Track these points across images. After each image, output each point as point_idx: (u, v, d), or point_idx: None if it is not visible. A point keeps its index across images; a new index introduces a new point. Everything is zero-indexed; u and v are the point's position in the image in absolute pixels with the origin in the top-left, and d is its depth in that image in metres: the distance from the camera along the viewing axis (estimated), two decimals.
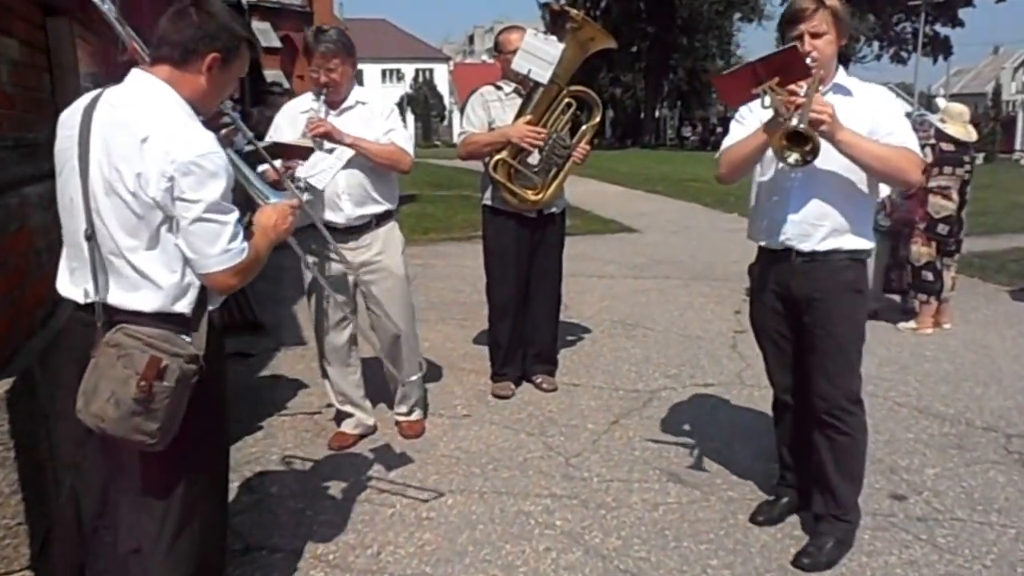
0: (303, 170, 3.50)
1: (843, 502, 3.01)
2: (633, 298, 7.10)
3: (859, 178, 2.82)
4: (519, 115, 4.24)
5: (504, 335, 4.65)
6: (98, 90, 2.07)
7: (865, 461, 3.08)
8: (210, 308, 2.15)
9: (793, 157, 2.57)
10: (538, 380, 4.79)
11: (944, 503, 3.44)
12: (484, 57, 67.33)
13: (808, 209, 2.87)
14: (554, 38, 4.10)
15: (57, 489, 2.64)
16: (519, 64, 4.05)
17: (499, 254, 4.54)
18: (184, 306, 2.06)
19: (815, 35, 2.75)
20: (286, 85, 20.26)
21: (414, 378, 4.02)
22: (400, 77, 61.90)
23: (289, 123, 3.72)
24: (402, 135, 3.76)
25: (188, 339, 2.06)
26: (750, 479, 3.65)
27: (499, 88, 4.45)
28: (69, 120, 2.04)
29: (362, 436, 4.06)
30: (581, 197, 14.56)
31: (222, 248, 2.01)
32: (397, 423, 4.17)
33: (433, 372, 5.05)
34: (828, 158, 2.70)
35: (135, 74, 2.06)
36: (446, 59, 65.17)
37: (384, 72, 63.83)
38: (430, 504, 3.42)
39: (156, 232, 1.99)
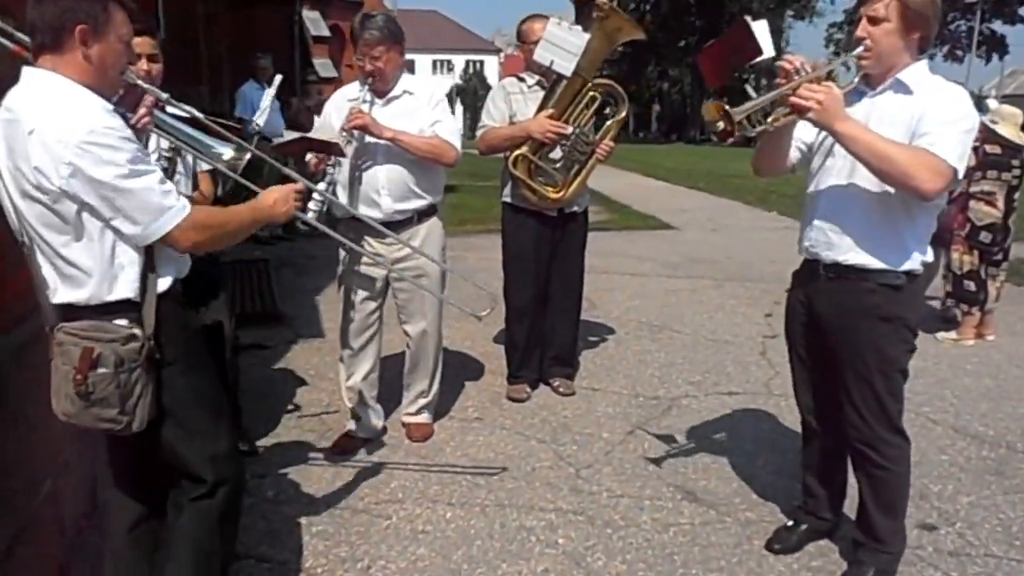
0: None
1: (880, 536, 2.75)
2: (663, 298, 6.79)
3: (896, 195, 2.48)
4: (541, 109, 3.97)
5: (521, 337, 4.40)
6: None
7: (908, 494, 2.78)
8: (165, 285, 2.09)
9: (720, 125, 2.42)
10: (555, 384, 4.53)
11: (979, 536, 3.12)
12: None
13: (833, 215, 2.62)
14: (579, 28, 3.81)
15: (32, 491, 2.47)
16: (541, 55, 3.78)
17: (517, 253, 4.29)
18: (127, 290, 2.01)
19: (872, 20, 2.47)
20: (333, 74, 20.25)
21: (436, 384, 3.91)
22: (450, 68, 61.86)
23: (337, 111, 3.50)
24: (448, 127, 3.52)
25: (125, 322, 2.01)
26: (771, 499, 3.37)
27: (522, 80, 4.19)
28: None
29: (368, 440, 3.85)
30: (623, 191, 14.29)
31: (159, 208, 1.95)
32: (405, 424, 3.95)
33: (449, 371, 4.79)
34: (859, 167, 2.47)
35: (24, 72, 1.96)
36: (497, 51, 64.86)
37: (435, 63, 63.85)
38: (427, 516, 3.19)
39: (78, 221, 1.92)
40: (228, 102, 9.66)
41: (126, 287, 2.01)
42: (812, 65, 2.47)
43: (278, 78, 3.16)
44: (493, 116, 4.14)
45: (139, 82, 2.20)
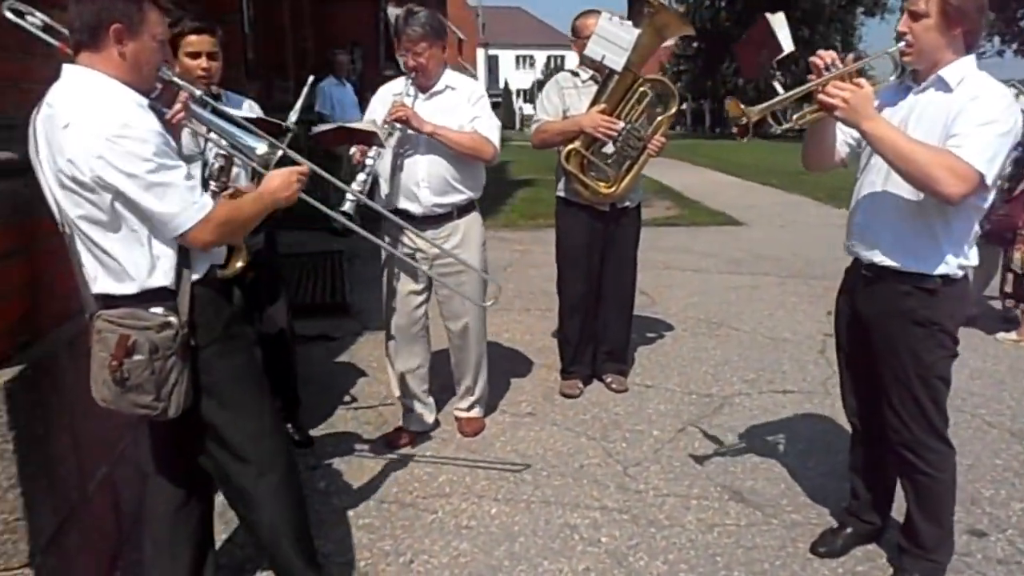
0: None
1: (925, 543, 2.64)
2: (723, 295, 6.59)
3: (929, 196, 2.36)
4: (593, 103, 3.89)
5: (574, 332, 4.32)
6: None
7: (953, 501, 2.66)
8: (199, 274, 2.12)
9: (742, 120, 2.42)
10: (608, 380, 4.44)
11: None
12: None
13: (870, 215, 2.56)
14: (629, 23, 3.72)
15: (82, 478, 2.52)
16: (592, 50, 3.70)
17: (570, 248, 4.21)
18: (163, 279, 2.04)
19: (913, 15, 2.36)
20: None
21: (481, 373, 3.86)
22: (532, 64, 61.91)
23: (382, 105, 3.49)
24: (487, 123, 3.48)
25: (160, 310, 2.03)
26: (819, 501, 3.24)
27: (576, 75, 4.11)
28: (30, 129, 2.01)
29: (420, 433, 3.83)
30: (695, 187, 14.05)
31: (183, 203, 1.98)
32: (457, 418, 3.92)
33: (505, 365, 4.77)
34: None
35: (65, 69, 2.00)
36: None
37: (517, 58, 64.08)
38: (472, 512, 3.15)
39: (112, 212, 1.95)
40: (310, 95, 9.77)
41: (161, 276, 2.04)
42: (844, 61, 2.40)
43: (310, 79, 3.15)
44: (547, 110, 4.07)
45: (174, 79, 2.21)
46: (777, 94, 2.51)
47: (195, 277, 2.10)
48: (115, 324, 2.00)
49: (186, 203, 1.98)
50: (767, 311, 6.10)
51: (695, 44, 37.12)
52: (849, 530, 2.93)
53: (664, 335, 5.48)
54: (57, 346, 2.41)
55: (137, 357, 1.98)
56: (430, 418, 3.87)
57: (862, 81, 2.36)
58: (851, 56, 2.42)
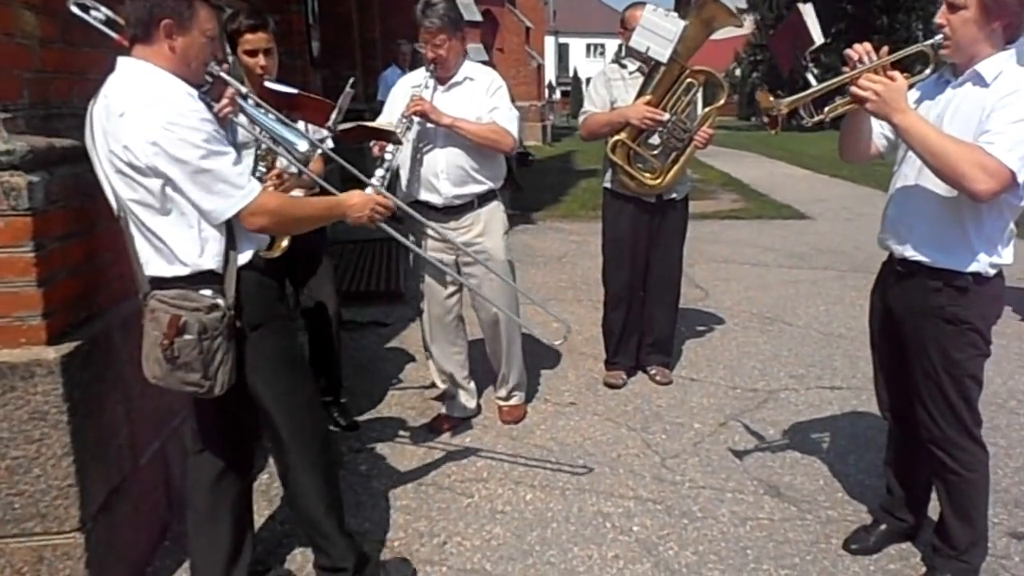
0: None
1: (956, 543, 2.62)
2: (780, 289, 6.50)
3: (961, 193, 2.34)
4: (639, 95, 3.90)
5: (617, 323, 4.35)
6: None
7: (986, 502, 2.62)
8: (245, 258, 2.21)
9: (773, 112, 2.43)
10: (652, 372, 4.46)
11: None
12: None
13: (903, 208, 2.55)
14: (675, 14, 3.72)
15: (134, 451, 2.68)
16: (637, 42, 3.71)
17: (616, 239, 4.24)
18: (210, 262, 2.13)
19: (951, 6, 2.33)
20: (484, 58, 20.83)
21: (515, 362, 3.89)
22: (602, 52, 61.48)
23: (403, 97, 3.55)
24: (505, 114, 3.53)
25: (209, 292, 2.13)
26: (857, 498, 3.21)
27: (623, 67, 4.12)
28: (88, 117, 2.13)
29: (463, 419, 3.92)
30: (763, 180, 13.83)
31: (231, 188, 2.07)
32: (498, 407, 4.00)
33: (551, 354, 4.82)
34: None
35: (120, 61, 2.11)
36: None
37: (588, 47, 63.63)
38: (508, 497, 3.22)
39: (164, 197, 2.05)
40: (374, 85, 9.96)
41: (210, 259, 2.13)
42: (878, 54, 2.37)
43: (349, 85, 3.22)
44: (594, 102, 4.10)
45: (222, 75, 2.31)
46: (810, 86, 2.51)
47: (242, 261, 2.20)
48: (167, 304, 2.10)
49: (233, 188, 2.07)
50: (824, 306, 6.01)
51: (772, 32, 36.29)
52: (883, 527, 2.91)
53: (714, 329, 5.46)
54: (112, 325, 2.56)
55: (187, 336, 2.08)
56: (471, 404, 3.95)
57: (895, 74, 2.34)
58: (885, 49, 2.39)
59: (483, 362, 4.05)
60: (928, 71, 2.49)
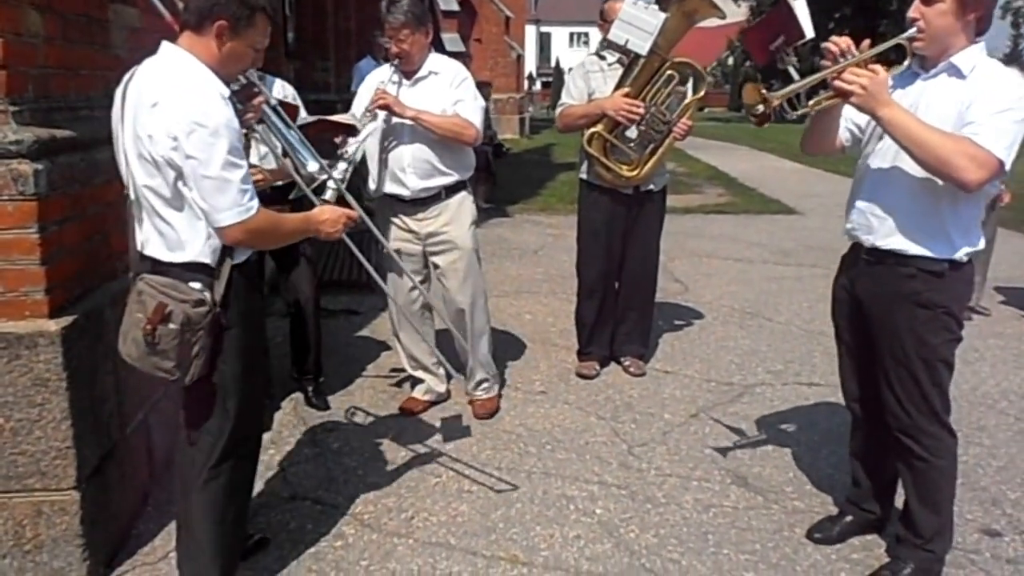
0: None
1: (921, 531, 2.90)
2: (764, 285, 6.97)
3: (938, 182, 2.60)
4: (618, 87, 4.30)
5: (590, 314, 4.78)
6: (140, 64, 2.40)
7: (952, 490, 2.91)
8: (239, 260, 2.46)
9: (759, 108, 2.60)
10: (626, 363, 4.89)
11: None
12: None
13: (874, 199, 2.78)
14: (655, 7, 4.11)
15: (122, 420, 3.07)
16: (615, 34, 4.10)
17: (591, 230, 4.65)
18: (207, 257, 2.39)
19: (926, 0, 2.58)
20: (461, 48, 21.30)
21: (482, 354, 4.25)
22: (586, 42, 61.86)
23: (368, 92, 3.90)
24: (469, 106, 3.86)
25: (199, 286, 2.38)
26: (825, 490, 3.59)
27: (602, 58, 4.53)
28: (118, 93, 2.40)
29: (433, 403, 4.34)
30: (752, 173, 14.26)
31: (231, 202, 2.29)
32: (470, 401, 4.36)
33: (524, 345, 5.28)
34: (903, 152, 2.62)
35: (163, 46, 2.36)
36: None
37: (571, 36, 63.93)
38: (475, 478, 3.64)
39: (176, 189, 2.30)
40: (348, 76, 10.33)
41: (207, 253, 2.38)
42: (860, 47, 2.59)
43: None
44: (572, 94, 4.51)
45: (255, 80, 2.62)
46: (792, 80, 2.71)
47: (237, 260, 2.46)
48: (156, 290, 2.33)
49: (233, 203, 2.29)
50: (807, 303, 6.48)
51: (749, 24, 36.77)
52: (848, 518, 3.21)
53: (692, 323, 5.92)
54: (103, 302, 2.96)
55: (171, 326, 2.31)
56: (440, 388, 4.37)
57: (877, 68, 2.55)
58: (866, 43, 2.63)
59: (454, 351, 4.42)
60: (905, 63, 2.74)
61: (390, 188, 3.95)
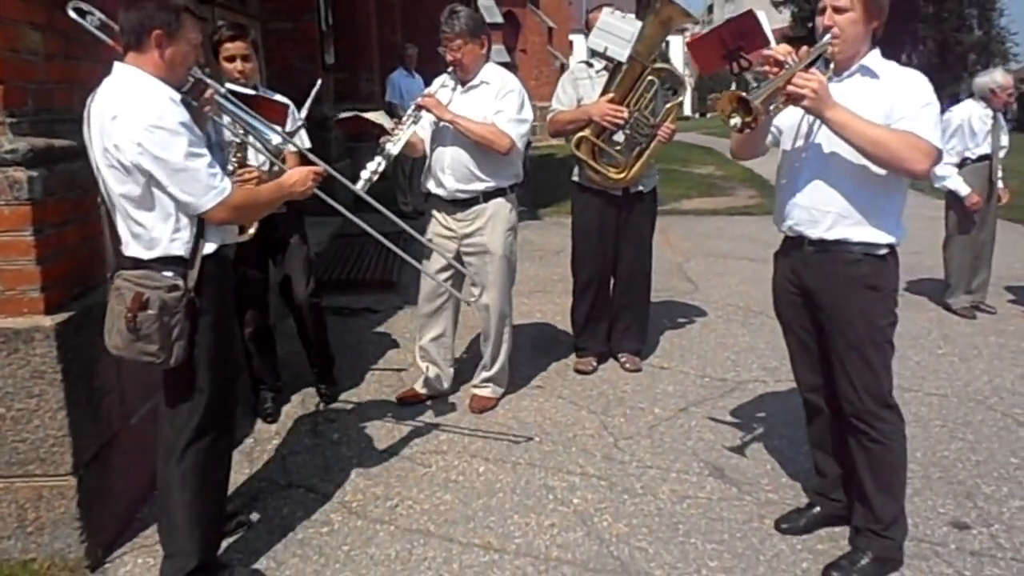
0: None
1: (880, 516, 2.93)
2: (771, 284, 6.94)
3: (872, 172, 2.73)
4: (603, 93, 4.37)
5: (584, 311, 4.86)
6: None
7: (905, 474, 2.97)
8: (212, 248, 2.62)
9: (735, 120, 2.62)
10: (622, 359, 4.95)
11: (1013, 540, 3.17)
12: None
13: (814, 193, 2.86)
14: (632, 16, 4.20)
15: (124, 410, 3.22)
16: (594, 42, 4.24)
17: (583, 230, 4.73)
18: (179, 249, 2.56)
19: (837, 9, 2.71)
20: (506, 59, 21.69)
21: (499, 357, 4.37)
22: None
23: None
24: (506, 117, 3.96)
25: (171, 274, 2.54)
26: (799, 483, 3.60)
27: (590, 65, 4.60)
28: (85, 112, 2.57)
29: (431, 396, 4.45)
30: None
31: (206, 187, 2.49)
32: (471, 393, 4.48)
33: (530, 341, 5.35)
34: (835, 141, 2.72)
35: (115, 66, 2.54)
36: (682, 30, 64.09)
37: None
38: (462, 468, 3.73)
39: (147, 191, 2.47)
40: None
41: (179, 246, 2.55)
42: (799, 55, 2.67)
43: (317, 84, 3.71)
44: (561, 100, 4.60)
45: (202, 77, 2.77)
46: (750, 87, 2.77)
47: (208, 250, 2.62)
48: (132, 283, 2.50)
49: (207, 187, 2.48)
50: None
51: (809, 25, 36.17)
52: (817, 509, 3.24)
53: (695, 321, 5.94)
54: (101, 299, 3.06)
55: (149, 312, 2.47)
56: (444, 384, 4.47)
57: (816, 72, 2.65)
58: (804, 49, 2.72)
59: (470, 352, 4.54)
60: (830, 68, 2.81)
61: (432, 187, 4.13)
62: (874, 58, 2.80)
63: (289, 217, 4.06)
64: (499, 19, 22.48)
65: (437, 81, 4.18)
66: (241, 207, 2.66)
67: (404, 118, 3.91)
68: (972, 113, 6.00)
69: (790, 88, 2.61)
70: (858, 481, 2.98)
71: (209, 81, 2.81)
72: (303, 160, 3.93)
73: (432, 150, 4.10)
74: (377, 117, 3.88)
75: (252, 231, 3.53)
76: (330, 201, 3.05)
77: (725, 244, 8.54)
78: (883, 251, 2.82)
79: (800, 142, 2.93)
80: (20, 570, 2.84)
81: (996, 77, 6.01)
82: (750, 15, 2.99)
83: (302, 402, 4.46)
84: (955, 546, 3.15)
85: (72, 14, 2.69)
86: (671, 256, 8.09)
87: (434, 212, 4.21)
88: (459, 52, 3.93)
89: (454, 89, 4.04)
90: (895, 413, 2.91)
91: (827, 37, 2.71)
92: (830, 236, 2.84)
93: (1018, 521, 3.33)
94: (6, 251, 2.70)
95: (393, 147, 3.86)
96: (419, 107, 3.90)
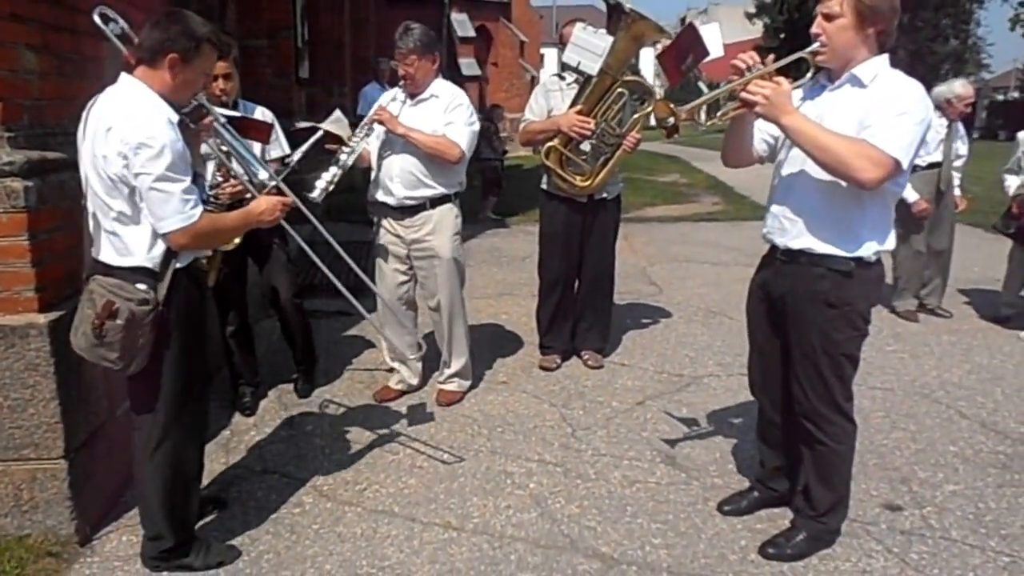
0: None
1: (816, 504, 3.13)
2: (732, 287, 7.18)
3: (845, 184, 2.72)
4: (573, 104, 4.61)
5: (549, 311, 5.13)
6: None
7: (849, 472, 3.14)
8: (183, 263, 2.74)
9: (669, 121, 2.79)
10: (585, 356, 5.22)
11: (943, 521, 3.39)
12: None
13: (786, 202, 2.93)
14: (603, 31, 4.45)
15: (111, 403, 3.45)
16: (568, 56, 4.47)
17: (550, 233, 4.99)
18: (151, 262, 2.67)
19: (827, 16, 2.72)
20: (477, 72, 22.06)
21: (459, 352, 4.61)
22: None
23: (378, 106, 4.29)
24: (457, 129, 4.19)
25: (144, 287, 2.64)
26: (745, 470, 3.81)
27: (562, 78, 4.85)
28: (83, 117, 2.72)
29: (404, 392, 4.70)
30: (749, 182, 14.25)
31: (174, 211, 2.58)
32: (437, 388, 4.72)
33: (496, 341, 5.63)
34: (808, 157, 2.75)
35: (121, 77, 2.65)
36: (653, 43, 64.49)
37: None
38: (428, 455, 3.99)
39: (128, 202, 2.59)
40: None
41: (151, 260, 2.66)
42: (764, 62, 2.76)
43: (319, 133, 3.93)
44: (533, 111, 4.85)
45: (205, 104, 2.96)
46: (703, 94, 2.90)
47: (179, 265, 2.72)
48: (105, 290, 2.60)
49: (176, 211, 2.58)
50: None
51: (781, 35, 36.47)
52: (756, 493, 3.46)
53: (659, 321, 6.22)
54: None
55: (117, 321, 2.57)
56: (414, 380, 4.73)
57: (781, 80, 2.70)
58: (770, 57, 2.83)
59: (435, 347, 4.76)
60: (809, 75, 2.85)
61: (380, 196, 4.33)
62: (869, 66, 2.75)
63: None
64: (471, 33, 22.92)
65: (387, 94, 4.41)
66: (203, 234, 2.71)
67: (358, 130, 4.13)
68: None
69: (743, 95, 2.71)
70: (805, 470, 3.16)
71: (211, 108, 3.00)
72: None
73: (380, 160, 4.29)
74: (334, 127, 4.07)
75: (236, 240, 3.76)
76: (307, 213, 3.29)
77: (688, 249, 8.85)
78: (848, 265, 2.83)
79: (783, 152, 3.00)
80: (16, 545, 3.08)
81: (955, 87, 6.15)
82: (690, 28, 3.18)
83: (279, 397, 4.70)
84: (886, 526, 3.37)
85: (96, 20, 2.81)
86: (636, 261, 8.39)
87: (383, 221, 4.41)
88: (412, 67, 4.14)
89: (404, 102, 4.24)
90: (845, 418, 3.01)
91: (814, 44, 2.76)
92: (795, 245, 2.90)
93: (950, 504, 3.55)
94: (4, 255, 2.93)
95: (348, 158, 4.11)
96: (372, 121, 4.12)
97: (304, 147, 3.86)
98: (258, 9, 8.11)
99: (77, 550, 3.14)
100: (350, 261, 3.43)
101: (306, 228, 3.65)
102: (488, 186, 11.19)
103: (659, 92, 4.87)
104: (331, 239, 3.46)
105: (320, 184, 3.90)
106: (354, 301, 3.51)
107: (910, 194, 6.12)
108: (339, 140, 4.02)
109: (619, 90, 4.55)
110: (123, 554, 3.13)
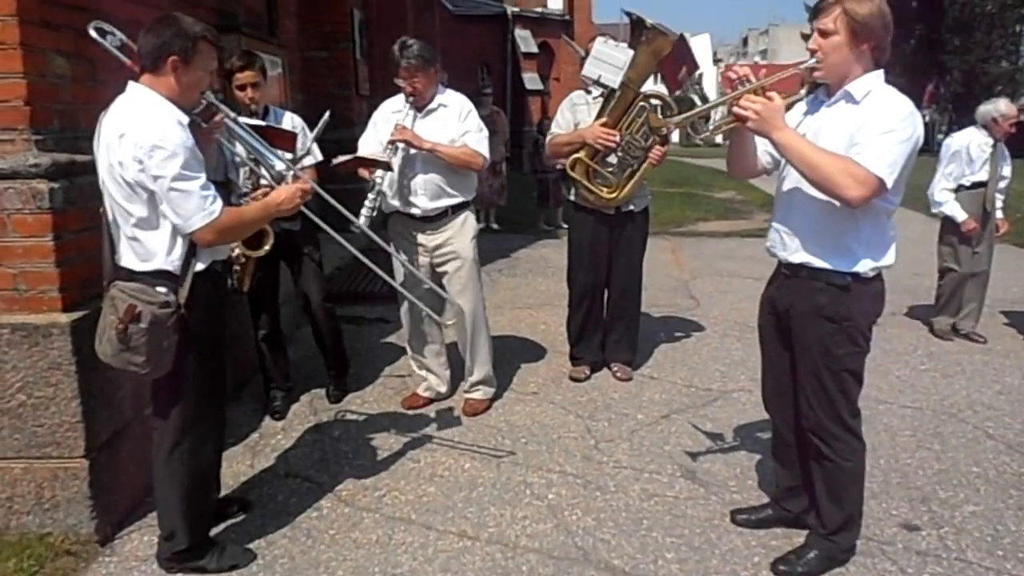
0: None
1: (826, 522, 3.05)
2: None
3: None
4: (598, 117, 4.54)
5: (579, 322, 5.03)
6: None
7: (860, 490, 3.04)
8: (202, 266, 2.75)
9: (661, 131, 2.74)
10: (614, 368, 5.11)
11: (960, 543, 3.27)
12: (757, 58, 66.18)
13: (787, 218, 2.91)
14: (624, 45, 4.36)
15: (137, 403, 3.46)
16: (589, 70, 4.38)
17: (578, 245, 4.91)
18: (171, 265, 2.68)
19: (823, 33, 2.69)
20: (539, 87, 22.26)
21: (482, 359, 4.54)
22: (664, 79, 62.39)
23: (384, 122, 4.27)
24: (474, 136, 4.20)
25: (164, 290, 2.65)
26: (765, 486, 3.69)
27: (588, 92, 4.78)
28: (97, 127, 2.73)
29: (432, 400, 4.65)
30: None
31: (196, 208, 2.58)
32: (464, 399, 4.66)
33: (531, 352, 5.54)
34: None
35: (130, 85, 2.67)
36: (717, 61, 64.48)
37: (654, 76, 64.67)
38: (448, 464, 3.92)
39: (146, 206, 2.59)
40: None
41: (171, 263, 2.67)
42: (757, 76, 2.75)
43: (325, 115, 3.92)
44: (560, 124, 4.78)
45: (214, 101, 2.94)
46: (696, 106, 2.91)
47: (199, 268, 2.73)
48: (127, 294, 2.59)
49: (198, 208, 2.58)
50: None
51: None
52: (771, 512, 3.37)
53: (692, 335, 6.06)
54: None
55: (141, 325, 2.57)
56: (442, 388, 4.67)
57: (773, 95, 2.67)
58: (763, 71, 2.85)
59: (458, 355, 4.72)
60: (803, 91, 2.89)
61: (403, 207, 4.29)
62: (862, 83, 2.72)
63: (303, 232, 4.30)
64: (534, 49, 23.06)
65: (387, 107, 4.36)
66: (227, 228, 2.71)
67: (384, 151, 4.06)
68: (972, 140, 5.98)
69: (735, 109, 2.69)
70: (817, 487, 3.06)
71: (220, 106, 2.98)
72: (319, 174, 4.19)
73: (401, 174, 4.23)
74: (377, 155, 4.06)
75: (268, 247, 3.77)
76: (316, 220, 3.26)
77: (732, 264, 8.64)
78: (844, 280, 2.79)
79: (785, 167, 2.95)
80: (37, 543, 3.09)
81: (1000, 106, 5.96)
82: (681, 41, 3.14)
83: (310, 402, 4.69)
84: (902, 545, 3.25)
85: (93, 34, 2.81)
86: (679, 274, 8.24)
87: (403, 231, 4.37)
88: (419, 83, 4.10)
89: (413, 116, 4.19)
90: (853, 435, 2.94)
91: (811, 60, 2.73)
92: (795, 260, 2.87)
93: (968, 525, 3.42)
94: (29, 254, 2.96)
95: (383, 181, 4.09)
96: (394, 141, 4.05)
97: (315, 132, 3.81)
98: (317, 22, 8.27)
99: (97, 549, 3.14)
100: (373, 267, 3.39)
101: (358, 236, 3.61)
102: (542, 198, 11.14)
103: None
104: (383, 244, 3.54)
105: (364, 212, 3.88)
106: (408, 295, 3.68)
107: (959, 213, 5.93)
108: (386, 166, 4.01)
109: (641, 104, 4.47)
110: (142, 554, 3.12)
